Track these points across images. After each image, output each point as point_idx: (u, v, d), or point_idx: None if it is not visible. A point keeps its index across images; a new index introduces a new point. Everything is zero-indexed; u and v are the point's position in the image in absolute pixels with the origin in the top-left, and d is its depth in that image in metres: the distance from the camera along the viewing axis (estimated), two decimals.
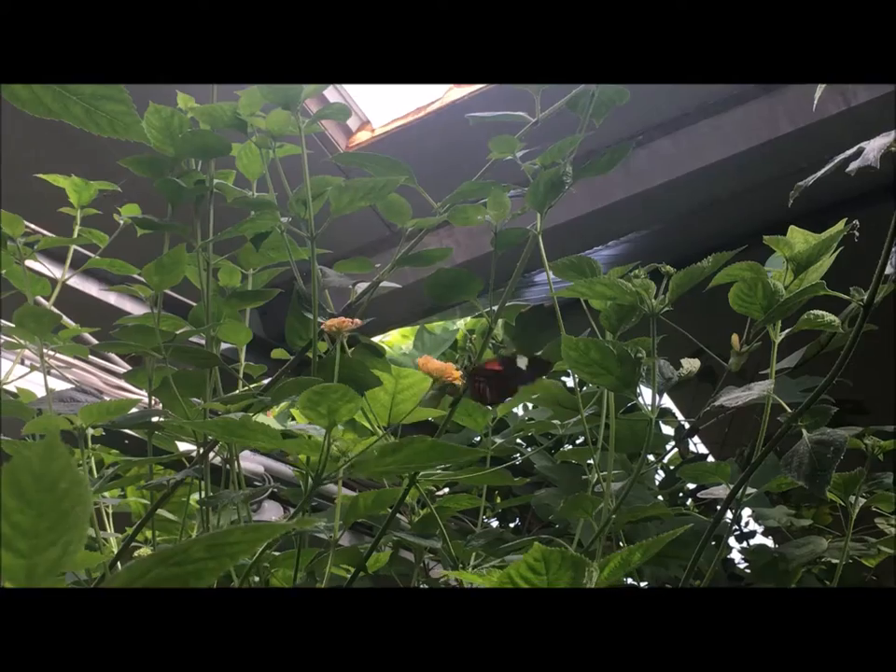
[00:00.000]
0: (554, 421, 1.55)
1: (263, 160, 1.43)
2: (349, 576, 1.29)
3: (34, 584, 0.52)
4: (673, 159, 2.71)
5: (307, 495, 0.98)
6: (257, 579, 1.38)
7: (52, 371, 2.02)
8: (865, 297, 1.05)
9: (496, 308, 1.27)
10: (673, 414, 2.94)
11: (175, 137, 1.38)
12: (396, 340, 2.87)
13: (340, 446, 1.11)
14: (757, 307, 1.15)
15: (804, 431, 1.10)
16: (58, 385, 1.66)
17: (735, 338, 1.77)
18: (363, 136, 2.95)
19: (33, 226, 2.03)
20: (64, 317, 1.92)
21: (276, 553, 1.39)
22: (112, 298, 2.33)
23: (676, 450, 3.09)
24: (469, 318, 2.83)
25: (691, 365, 1.20)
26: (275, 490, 2.26)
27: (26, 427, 1.11)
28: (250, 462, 2.30)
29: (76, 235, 1.65)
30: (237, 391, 1.36)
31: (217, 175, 1.47)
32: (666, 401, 3.67)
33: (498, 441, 1.72)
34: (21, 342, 1.38)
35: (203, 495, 1.28)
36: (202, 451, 1.29)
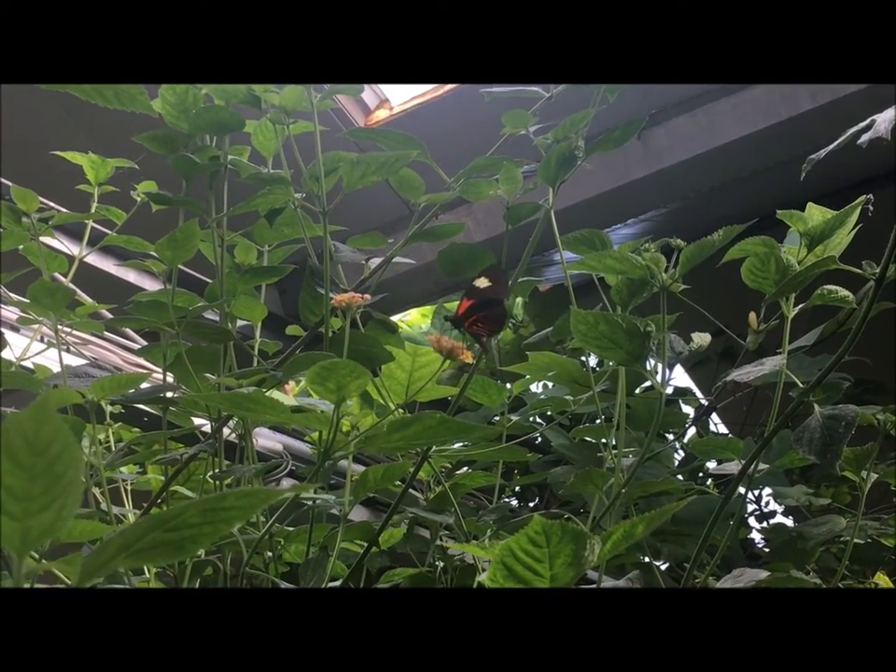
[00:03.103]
0: (567, 397, 1.54)
1: (278, 136, 1.43)
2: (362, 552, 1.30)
3: (28, 548, 0.52)
4: (692, 136, 2.69)
5: (317, 469, 0.98)
6: (270, 554, 1.39)
7: (70, 347, 2.03)
8: (878, 271, 1.04)
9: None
10: (693, 394, 2.93)
11: (189, 113, 1.38)
12: (415, 319, 2.87)
13: (351, 421, 1.11)
14: (770, 282, 1.15)
15: (815, 406, 1.10)
16: (76, 362, 1.67)
17: (752, 316, 1.76)
18: (381, 114, 2.94)
19: (50, 203, 2.03)
20: (81, 294, 1.93)
21: (290, 529, 1.39)
22: (131, 275, 2.33)
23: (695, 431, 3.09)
24: None
25: (701, 339, 1.19)
26: (293, 468, 2.27)
27: (39, 400, 1.11)
28: (268, 440, 2.30)
29: (92, 212, 1.65)
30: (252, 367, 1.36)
31: (232, 152, 1.46)
32: (688, 382, 3.66)
33: (514, 418, 1.72)
34: (36, 317, 1.38)
35: (215, 470, 1.28)
36: (215, 426, 1.30)
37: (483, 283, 1.19)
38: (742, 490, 2.82)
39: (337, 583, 1.29)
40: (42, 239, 1.53)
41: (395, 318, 2.93)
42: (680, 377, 3.76)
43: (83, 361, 1.52)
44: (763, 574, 1.18)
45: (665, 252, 1.12)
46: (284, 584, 0.99)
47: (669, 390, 3.02)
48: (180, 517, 0.53)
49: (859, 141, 1.01)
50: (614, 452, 1.41)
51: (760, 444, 1.14)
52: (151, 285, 2.32)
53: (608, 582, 1.29)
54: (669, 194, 2.69)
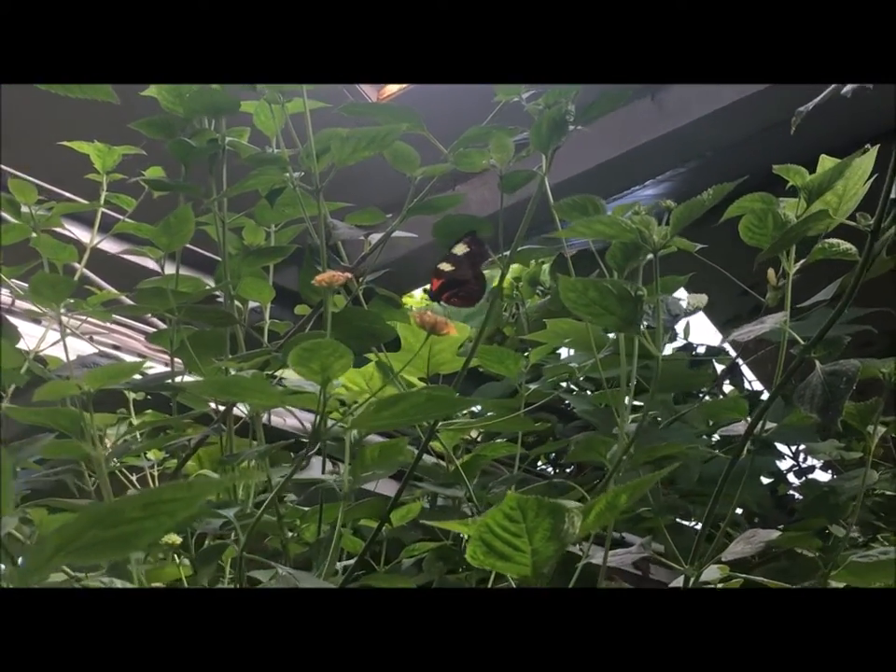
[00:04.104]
0: (573, 364, 1.53)
1: (277, 116, 1.42)
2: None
3: None
4: (708, 91, 2.65)
5: (307, 449, 0.97)
6: (291, 533, 1.38)
7: (93, 336, 2.04)
8: (871, 223, 1.02)
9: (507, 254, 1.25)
10: (726, 353, 2.90)
11: (183, 97, 1.38)
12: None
13: (348, 398, 1.11)
14: (768, 238, 1.13)
15: (817, 363, 1.08)
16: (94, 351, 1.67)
17: (770, 273, 1.74)
18: (393, 87, 2.92)
19: (68, 194, 2.04)
20: (101, 282, 1.94)
21: (305, 508, 1.39)
22: (151, 262, 2.32)
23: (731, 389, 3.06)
24: (514, 266, 2.81)
25: (697, 301, 1.18)
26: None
27: (36, 393, 1.11)
28: (293, 418, 2.30)
29: (102, 200, 1.65)
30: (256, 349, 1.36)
31: (232, 133, 1.46)
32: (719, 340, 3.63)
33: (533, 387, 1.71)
34: (42, 309, 1.38)
35: (225, 453, 1.28)
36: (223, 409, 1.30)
37: (460, 249, 1.18)
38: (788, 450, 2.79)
39: (352, 561, 1.29)
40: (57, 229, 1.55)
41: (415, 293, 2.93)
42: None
43: (99, 350, 1.52)
44: (775, 534, 1.17)
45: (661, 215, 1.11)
46: (283, 569, 0.99)
47: (702, 349, 3.01)
48: (120, 513, 0.52)
49: (843, 91, 0.99)
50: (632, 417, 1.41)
51: (763, 405, 1.13)
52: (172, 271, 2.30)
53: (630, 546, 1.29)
54: (690, 151, 2.66)
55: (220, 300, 1.48)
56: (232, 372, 1.20)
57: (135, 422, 1.50)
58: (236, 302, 1.48)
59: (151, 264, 2.40)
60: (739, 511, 2.37)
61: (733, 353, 2.93)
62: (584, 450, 1.21)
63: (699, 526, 2.25)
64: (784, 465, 2.84)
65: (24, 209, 1.45)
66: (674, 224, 1.05)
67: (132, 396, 1.56)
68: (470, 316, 2.44)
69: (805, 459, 2.81)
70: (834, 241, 1.17)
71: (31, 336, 1.62)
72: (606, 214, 1.12)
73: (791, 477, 2.83)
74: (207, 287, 1.37)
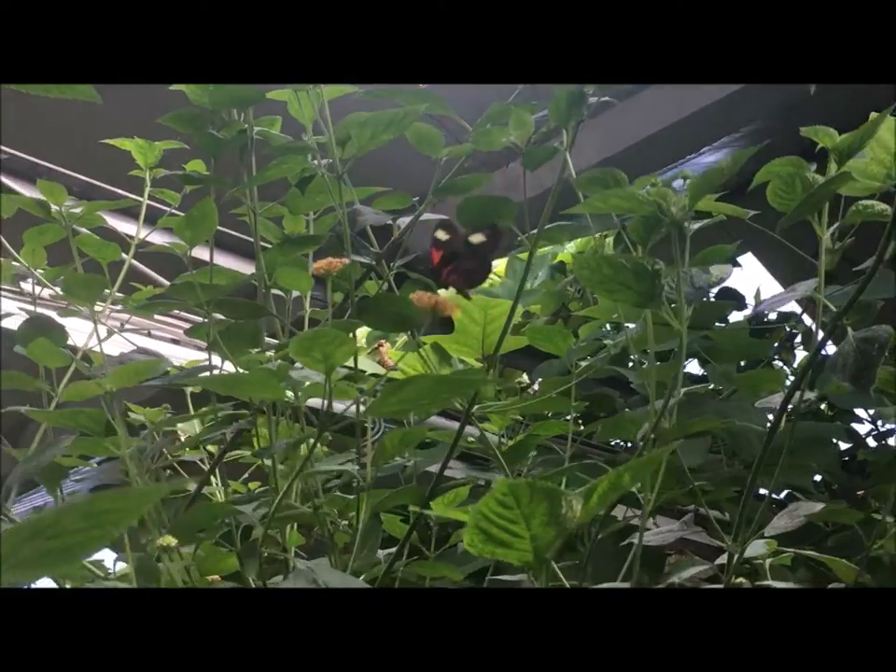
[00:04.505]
0: (607, 341, 1.50)
1: (305, 104, 1.40)
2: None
3: None
4: None
5: (317, 440, 0.96)
6: (345, 522, 1.37)
7: (149, 332, 2.05)
8: None
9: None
10: (800, 319, 2.85)
11: (207, 89, 1.37)
12: (499, 271, 2.84)
13: (366, 388, 1.09)
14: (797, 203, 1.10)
15: (848, 330, 1.05)
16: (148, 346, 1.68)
17: (826, 236, 1.70)
18: None
19: (119, 190, 2.05)
20: (157, 277, 1.94)
21: (349, 497, 1.38)
22: (218, 258, 2.32)
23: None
24: (577, 240, 2.78)
25: (721, 271, 1.14)
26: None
27: (61, 395, 1.11)
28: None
29: (146, 196, 1.66)
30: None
31: (263, 123, 1.45)
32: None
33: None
34: (78, 308, 1.39)
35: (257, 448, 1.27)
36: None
37: (442, 235, 1.16)
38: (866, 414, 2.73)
39: (393, 549, 1.28)
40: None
41: None
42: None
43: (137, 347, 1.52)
44: (818, 507, 1.14)
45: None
46: (301, 563, 0.98)
47: (773, 316, 2.96)
48: (59, 524, 0.51)
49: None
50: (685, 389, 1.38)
51: (799, 374, 1.09)
52: (224, 261, 2.31)
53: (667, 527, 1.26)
54: (742, 118, 2.60)
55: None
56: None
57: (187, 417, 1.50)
58: (276, 293, 1.47)
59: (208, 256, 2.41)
60: (818, 478, 2.32)
61: (808, 321, 2.88)
62: (612, 429, 1.19)
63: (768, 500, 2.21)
64: (864, 429, 2.78)
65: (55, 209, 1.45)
66: (692, 195, 1.02)
67: (189, 390, 1.56)
68: (527, 294, 2.42)
69: (883, 424, 2.74)
70: (869, 202, 1.13)
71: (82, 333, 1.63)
72: (626, 187, 1.09)
73: (871, 442, 2.77)
74: (241, 278, 1.36)
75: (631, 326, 1.47)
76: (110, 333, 1.57)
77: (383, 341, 2.94)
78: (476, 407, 1.30)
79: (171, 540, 1.00)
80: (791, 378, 2.66)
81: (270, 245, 1.39)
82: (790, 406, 1.17)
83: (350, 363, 1.24)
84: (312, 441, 0.96)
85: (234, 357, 1.29)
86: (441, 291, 1.23)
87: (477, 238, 1.17)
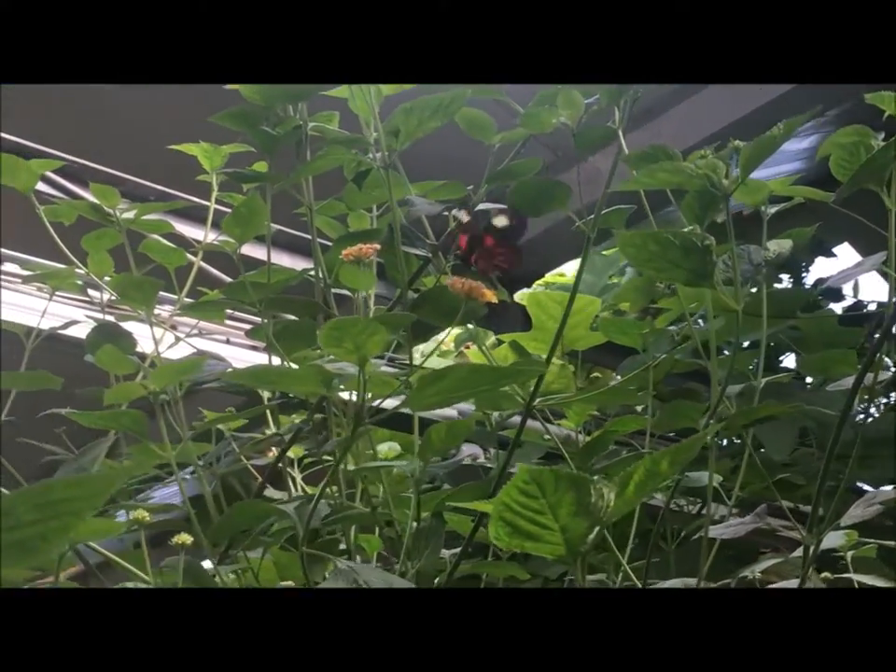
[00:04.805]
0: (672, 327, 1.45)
1: (366, 98, 1.37)
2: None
3: None
4: None
5: (352, 435, 0.92)
6: (416, 523, 1.34)
7: (228, 339, 2.03)
8: None
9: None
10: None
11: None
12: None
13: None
14: None
15: None
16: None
17: None
18: None
19: (188, 196, 2.03)
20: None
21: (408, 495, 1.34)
22: (286, 259, 2.30)
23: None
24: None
25: (780, 246, 1.08)
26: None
27: (106, 396, 1.09)
28: (448, 409, 2.26)
29: (213, 199, 1.64)
30: None
31: (320, 119, 1.42)
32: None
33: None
34: (135, 311, 1.37)
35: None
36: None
37: (463, 216, 1.12)
38: None
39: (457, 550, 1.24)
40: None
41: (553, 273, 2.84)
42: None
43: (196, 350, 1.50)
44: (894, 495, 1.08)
45: None
46: (342, 563, 0.94)
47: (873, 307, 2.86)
48: (11, 515, 0.48)
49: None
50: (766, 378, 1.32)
51: (868, 357, 1.04)
52: (292, 262, 2.28)
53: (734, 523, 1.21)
54: (828, 101, 2.51)
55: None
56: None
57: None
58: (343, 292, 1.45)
59: (287, 261, 2.39)
60: None
61: None
62: (671, 417, 1.14)
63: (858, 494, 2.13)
64: None
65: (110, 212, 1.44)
66: (744, 165, 0.97)
67: (266, 394, 1.53)
68: (607, 289, 2.37)
69: None
70: None
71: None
72: (676, 161, 1.04)
73: None
74: (294, 276, 1.34)
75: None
76: (177, 340, 1.55)
77: (469, 343, 2.91)
78: (538, 400, 1.25)
79: (186, 538, 0.97)
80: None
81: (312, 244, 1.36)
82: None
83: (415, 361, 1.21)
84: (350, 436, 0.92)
85: (290, 355, 1.26)
86: None
87: (500, 221, 1.13)
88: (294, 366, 1.27)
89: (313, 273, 1.38)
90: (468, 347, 2.96)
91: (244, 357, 1.90)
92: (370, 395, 0.91)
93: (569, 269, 2.80)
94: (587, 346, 1.80)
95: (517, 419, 2.28)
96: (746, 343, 2.14)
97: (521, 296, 2.00)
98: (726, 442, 2.69)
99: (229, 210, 1.65)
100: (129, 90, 2.36)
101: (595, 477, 0.68)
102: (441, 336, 3.20)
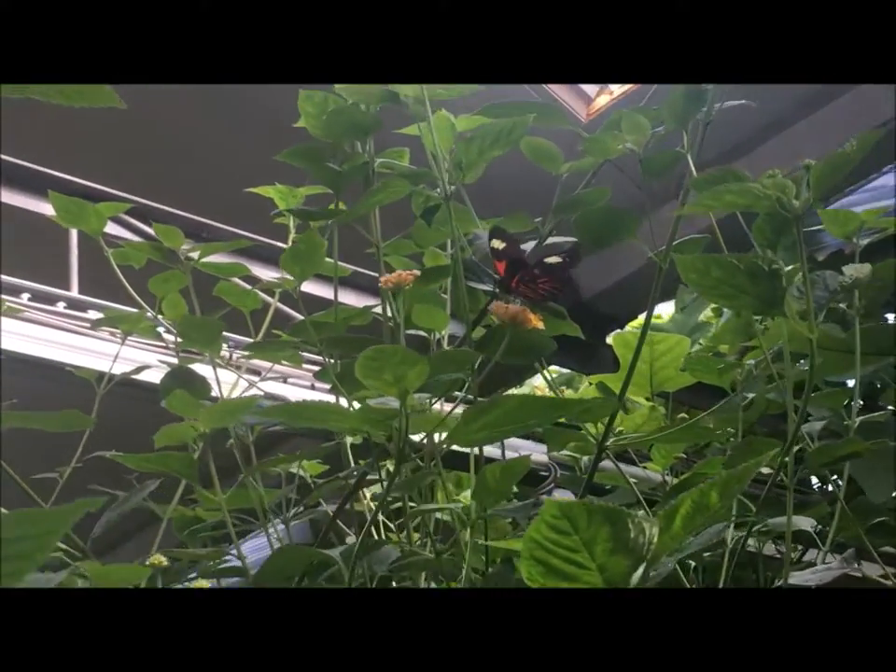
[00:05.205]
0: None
1: (433, 132, 1.34)
2: None
3: None
4: None
5: (394, 475, 0.87)
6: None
7: (313, 385, 2.01)
8: None
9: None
10: None
11: (321, 119, 1.32)
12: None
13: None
14: None
15: None
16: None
17: None
18: (602, 101, 2.79)
19: (264, 239, 2.02)
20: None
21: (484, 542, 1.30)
22: (367, 300, 2.27)
23: None
24: None
25: (857, 271, 1.02)
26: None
27: (157, 438, 1.06)
28: (537, 454, 2.22)
29: (290, 241, 1.62)
30: None
31: (390, 155, 1.39)
32: None
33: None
34: (199, 353, 1.34)
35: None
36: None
37: (498, 244, 1.07)
38: None
39: None
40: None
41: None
42: None
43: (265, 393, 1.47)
44: None
45: None
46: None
47: None
48: None
49: None
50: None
51: None
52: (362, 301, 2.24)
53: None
54: None
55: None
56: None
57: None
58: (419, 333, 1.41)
59: (350, 298, 2.36)
60: None
61: None
62: (744, 455, 1.07)
63: None
64: None
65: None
66: (815, 185, 0.91)
67: (348, 440, 1.50)
68: (699, 328, 2.30)
69: None
70: None
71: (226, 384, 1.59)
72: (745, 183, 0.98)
73: None
74: (355, 315, 1.30)
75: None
76: (251, 384, 1.53)
77: (563, 387, 2.85)
78: (611, 440, 1.20)
79: (161, 560, 0.92)
80: None
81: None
82: None
83: None
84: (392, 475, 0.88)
85: (353, 396, 1.22)
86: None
87: (553, 259, 1.09)
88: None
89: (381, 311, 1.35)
90: (563, 391, 2.90)
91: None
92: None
93: (667, 310, 2.73)
94: (677, 387, 1.74)
95: (610, 464, 2.22)
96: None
97: (613, 338, 1.95)
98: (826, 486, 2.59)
99: None
100: (207, 133, 2.37)
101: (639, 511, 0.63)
102: (535, 380, 3.14)
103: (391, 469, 1.25)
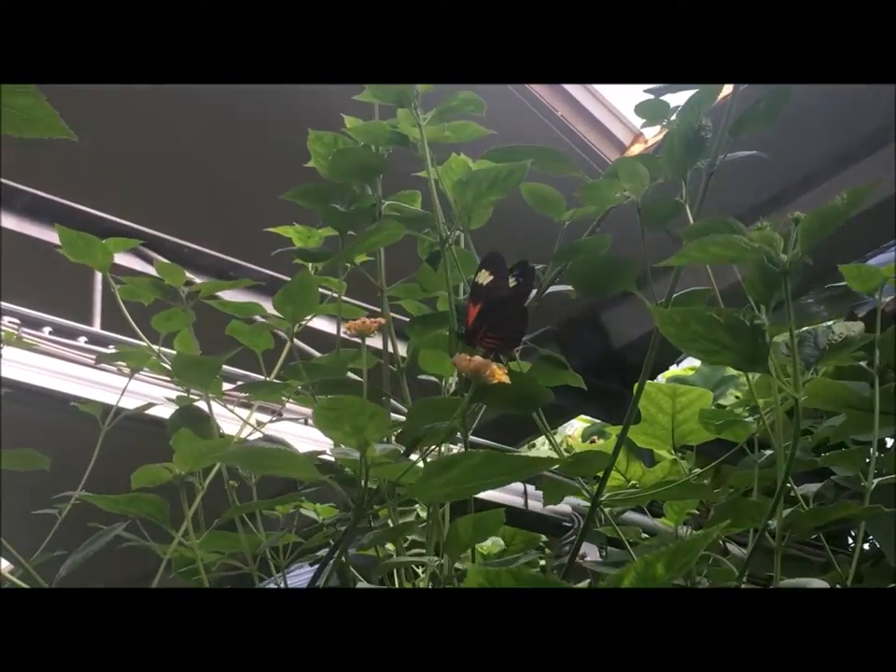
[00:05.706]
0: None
1: (448, 176, 1.32)
2: None
3: None
4: None
5: (351, 526, 0.84)
6: None
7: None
8: None
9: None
10: None
11: (327, 159, 1.31)
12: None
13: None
14: None
15: None
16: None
17: None
18: (636, 149, 2.76)
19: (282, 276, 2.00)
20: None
21: None
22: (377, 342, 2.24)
23: None
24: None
25: (848, 329, 0.98)
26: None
27: (133, 478, 1.04)
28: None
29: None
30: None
31: (401, 198, 1.37)
32: None
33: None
34: (196, 392, 1.32)
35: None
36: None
37: (484, 278, 1.04)
38: None
39: None
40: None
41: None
42: None
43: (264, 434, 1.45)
44: None
45: None
46: None
47: None
48: None
49: None
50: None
51: None
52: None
53: None
54: None
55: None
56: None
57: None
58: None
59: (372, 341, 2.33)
60: None
61: None
62: (730, 514, 1.03)
63: None
64: None
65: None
66: (803, 239, 0.88)
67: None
68: (723, 382, 2.26)
69: None
70: None
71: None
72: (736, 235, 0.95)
73: None
74: (346, 360, 1.28)
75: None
76: (260, 424, 1.50)
77: (595, 437, 2.80)
78: (606, 496, 1.16)
79: None
80: None
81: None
82: None
83: None
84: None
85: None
86: None
87: (483, 277, 1.06)
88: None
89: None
90: (593, 441, 2.86)
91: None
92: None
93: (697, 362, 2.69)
94: (699, 441, 1.70)
95: (633, 515, 2.17)
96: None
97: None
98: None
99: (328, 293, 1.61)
100: (240, 171, 2.37)
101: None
102: (568, 429, 3.09)
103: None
